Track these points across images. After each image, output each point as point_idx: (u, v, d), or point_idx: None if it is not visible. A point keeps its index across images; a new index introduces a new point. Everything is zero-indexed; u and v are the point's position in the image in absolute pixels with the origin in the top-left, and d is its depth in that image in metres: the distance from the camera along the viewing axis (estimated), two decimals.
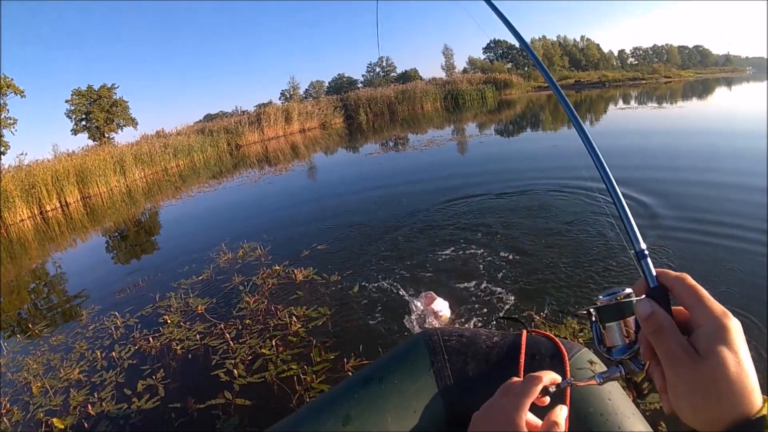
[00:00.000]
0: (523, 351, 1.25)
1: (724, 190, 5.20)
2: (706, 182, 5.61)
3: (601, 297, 0.70)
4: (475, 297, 3.41)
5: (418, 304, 3.13)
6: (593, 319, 0.74)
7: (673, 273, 0.60)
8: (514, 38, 0.80)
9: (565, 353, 1.21)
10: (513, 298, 3.31)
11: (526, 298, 3.29)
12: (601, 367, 1.21)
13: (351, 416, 1.25)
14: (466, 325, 3.08)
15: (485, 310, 3.20)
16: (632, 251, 0.64)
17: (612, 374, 0.72)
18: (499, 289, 3.45)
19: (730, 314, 0.54)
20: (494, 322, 3.06)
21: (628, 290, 0.65)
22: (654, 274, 0.61)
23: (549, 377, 0.72)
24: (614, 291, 0.69)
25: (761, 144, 7.28)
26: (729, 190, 5.16)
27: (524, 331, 1.32)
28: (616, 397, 1.17)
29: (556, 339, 1.27)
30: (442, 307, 3.07)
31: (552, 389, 0.74)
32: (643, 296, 0.61)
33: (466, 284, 3.62)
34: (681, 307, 0.58)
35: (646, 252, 0.63)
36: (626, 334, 0.69)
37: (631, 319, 0.68)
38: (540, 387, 0.70)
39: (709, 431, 0.52)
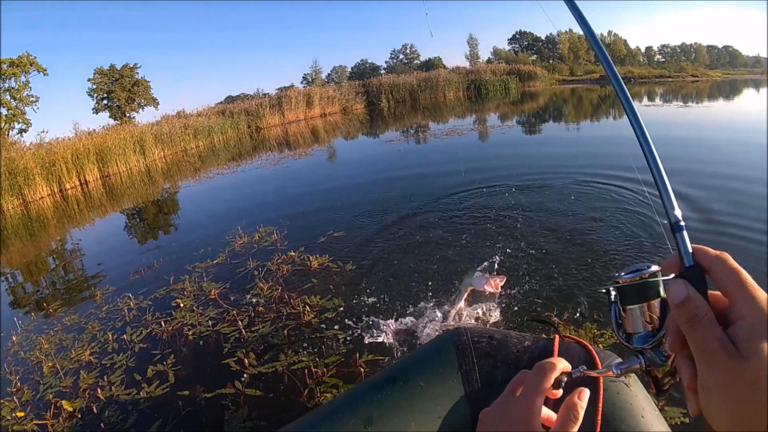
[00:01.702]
0: (555, 357, 1.16)
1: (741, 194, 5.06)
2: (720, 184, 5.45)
3: (623, 274, 0.62)
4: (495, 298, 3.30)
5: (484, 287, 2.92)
6: (612, 299, 0.66)
7: (712, 251, 0.51)
8: (582, 29, 0.71)
9: (599, 363, 1.13)
10: (532, 296, 3.21)
11: (546, 297, 3.19)
12: (636, 380, 1.12)
13: (373, 418, 1.20)
14: (491, 322, 3.00)
15: (504, 305, 3.12)
16: (665, 222, 0.56)
17: (631, 365, 0.65)
18: (518, 286, 3.35)
19: None
20: (522, 321, 2.97)
21: (655, 267, 0.57)
22: (690, 251, 0.53)
23: (561, 366, 0.65)
24: (638, 267, 0.61)
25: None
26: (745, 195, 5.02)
27: (556, 336, 1.25)
28: (648, 414, 1.08)
29: (590, 347, 1.20)
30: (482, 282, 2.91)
31: (564, 380, 0.68)
32: (676, 276, 0.53)
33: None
34: (717, 293, 0.50)
35: (682, 223, 0.54)
36: (649, 319, 0.61)
37: (656, 303, 0.60)
38: (552, 378, 0.64)
39: None
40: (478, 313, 3.06)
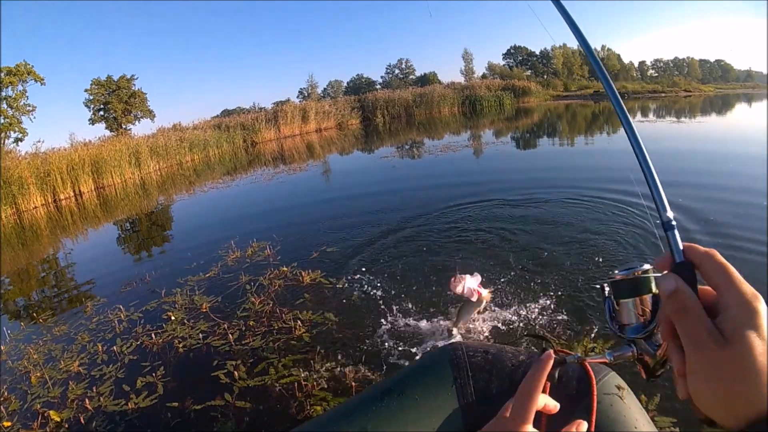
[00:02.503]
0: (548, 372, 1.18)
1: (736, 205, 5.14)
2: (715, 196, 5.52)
3: (617, 272, 0.68)
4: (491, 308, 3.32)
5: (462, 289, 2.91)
6: (606, 294, 0.71)
7: (701, 248, 0.55)
8: (576, 39, 0.75)
9: (593, 376, 1.15)
10: (524, 312, 3.23)
11: (543, 313, 3.21)
12: (628, 393, 1.15)
13: (368, 430, 1.21)
14: (486, 335, 3.03)
15: (499, 322, 3.13)
16: (658, 221, 0.60)
17: (624, 353, 0.70)
18: (513, 299, 3.38)
19: (760, 297, 0.49)
20: (516, 337, 2.99)
21: (647, 266, 0.63)
22: (681, 248, 0.56)
23: (550, 363, 0.71)
24: (632, 266, 0.67)
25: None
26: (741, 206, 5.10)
27: (551, 351, 1.27)
28: (642, 425, 1.11)
29: (584, 360, 1.22)
30: (472, 284, 2.91)
31: (557, 372, 0.74)
32: (667, 272, 0.56)
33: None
34: (707, 288, 0.53)
35: (674, 222, 0.58)
36: (642, 312, 0.67)
37: (647, 297, 0.66)
38: (549, 366, 0.68)
39: (730, 425, 0.48)
40: (476, 327, 3.08)
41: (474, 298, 2.89)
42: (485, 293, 2.94)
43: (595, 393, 1.10)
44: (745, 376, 0.46)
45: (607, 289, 0.71)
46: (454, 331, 3.03)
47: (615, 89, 0.73)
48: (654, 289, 0.63)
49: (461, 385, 1.24)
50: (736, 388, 0.47)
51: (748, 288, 0.50)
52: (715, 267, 0.52)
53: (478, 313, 3.06)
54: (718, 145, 10.79)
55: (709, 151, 9.85)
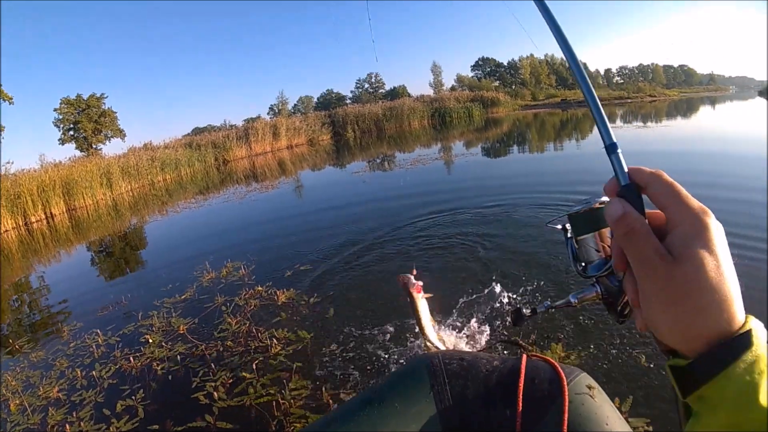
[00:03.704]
0: (522, 375, 1.25)
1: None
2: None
3: (575, 207, 0.67)
4: (462, 315, 3.44)
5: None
6: (568, 235, 0.71)
7: (647, 169, 0.53)
8: (557, 42, 0.66)
9: (564, 377, 1.21)
10: (498, 321, 3.35)
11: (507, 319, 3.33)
12: (599, 391, 1.20)
13: None
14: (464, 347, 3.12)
15: (474, 329, 3.24)
16: (602, 146, 0.56)
17: (587, 294, 0.70)
18: (486, 309, 3.48)
19: (710, 212, 0.48)
20: (491, 343, 3.09)
21: (605, 198, 0.59)
22: (626, 170, 0.54)
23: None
24: (588, 198, 0.67)
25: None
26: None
27: (524, 355, 1.33)
28: (613, 421, 1.16)
29: (555, 363, 1.28)
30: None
31: (528, 314, 0.78)
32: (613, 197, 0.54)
33: (450, 302, 3.62)
34: (658, 211, 0.52)
35: (617, 143, 0.55)
36: (601, 248, 0.66)
37: (606, 231, 0.65)
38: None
39: (688, 349, 0.47)
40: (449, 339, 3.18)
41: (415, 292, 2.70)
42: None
43: (567, 393, 1.16)
44: (698, 295, 0.45)
45: (568, 228, 0.70)
46: (429, 343, 3.03)
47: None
48: None
49: (438, 391, 1.28)
50: (690, 308, 0.45)
51: (695, 203, 0.48)
52: (662, 187, 0.51)
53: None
54: (683, 145, 11.18)
55: (675, 152, 10.25)
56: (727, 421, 0.43)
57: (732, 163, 8.20)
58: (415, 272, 2.72)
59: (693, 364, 0.46)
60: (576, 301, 0.73)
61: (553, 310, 0.86)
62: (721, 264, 0.45)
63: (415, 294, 2.62)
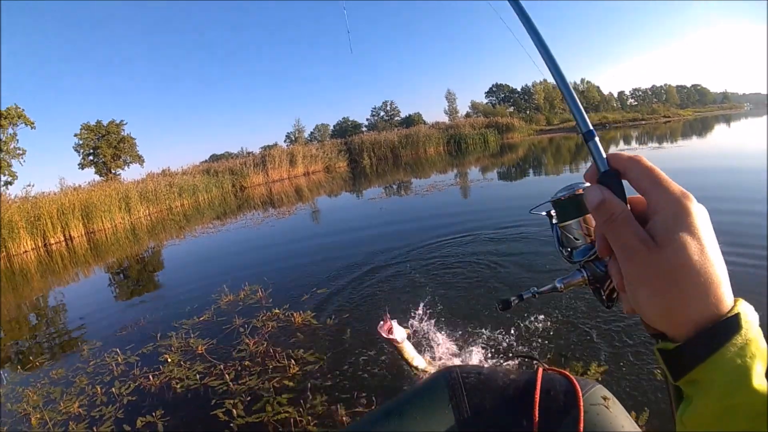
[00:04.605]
0: (538, 387, 1.26)
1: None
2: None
3: (558, 193, 0.68)
4: (480, 339, 3.45)
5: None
6: (553, 221, 0.71)
7: (626, 155, 0.53)
8: (528, 32, 0.64)
9: (579, 389, 1.22)
10: (515, 341, 3.36)
11: (528, 340, 3.34)
12: (614, 402, 1.20)
13: None
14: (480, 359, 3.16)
15: (491, 351, 3.26)
16: (580, 134, 0.56)
17: (573, 279, 0.70)
18: (502, 331, 3.49)
19: (691, 196, 0.48)
20: (509, 358, 3.11)
21: (588, 184, 0.57)
22: (605, 157, 0.54)
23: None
24: (572, 185, 0.67)
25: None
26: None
27: (540, 368, 1.35)
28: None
29: (571, 376, 1.30)
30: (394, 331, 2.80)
31: (515, 301, 0.80)
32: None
33: (465, 326, 3.66)
34: (640, 197, 0.51)
35: (594, 130, 0.55)
36: (587, 232, 0.66)
37: (590, 217, 0.65)
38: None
39: (675, 333, 0.47)
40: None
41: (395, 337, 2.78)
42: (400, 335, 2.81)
43: (582, 404, 1.18)
44: (682, 279, 0.45)
45: (553, 214, 0.71)
46: (418, 372, 2.95)
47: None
48: None
49: (457, 403, 1.31)
50: (675, 292, 0.45)
51: (676, 187, 0.48)
52: (641, 172, 0.50)
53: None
54: (700, 161, 11.22)
55: (692, 168, 10.34)
56: (719, 405, 0.43)
57: (749, 177, 8.21)
58: (387, 316, 2.81)
59: (681, 348, 0.46)
60: (562, 286, 0.74)
61: (539, 295, 0.87)
62: (705, 247, 0.45)
63: (387, 336, 2.74)
